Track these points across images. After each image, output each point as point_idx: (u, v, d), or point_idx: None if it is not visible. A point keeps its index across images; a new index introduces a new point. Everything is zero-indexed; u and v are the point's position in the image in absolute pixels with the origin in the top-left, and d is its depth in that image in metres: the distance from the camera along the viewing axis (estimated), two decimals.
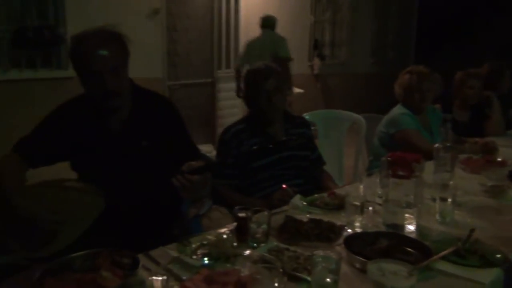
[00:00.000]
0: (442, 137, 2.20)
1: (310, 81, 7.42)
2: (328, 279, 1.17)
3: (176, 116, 1.85)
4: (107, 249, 1.28)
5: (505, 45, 6.89)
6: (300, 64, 6.84)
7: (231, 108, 6.23)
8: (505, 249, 1.44)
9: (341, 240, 1.49)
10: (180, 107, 1.94)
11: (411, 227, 1.60)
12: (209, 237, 1.46)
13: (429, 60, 3.81)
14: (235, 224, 1.52)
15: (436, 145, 2.15)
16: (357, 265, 1.34)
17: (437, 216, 1.71)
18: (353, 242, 1.43)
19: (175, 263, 1.34)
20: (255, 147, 2.15)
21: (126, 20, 4.36)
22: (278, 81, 2.15)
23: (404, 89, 2.91)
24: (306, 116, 3.02)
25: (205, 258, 1.35)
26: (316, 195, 1.95)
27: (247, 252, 1.40)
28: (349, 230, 1.60)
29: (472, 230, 1.49)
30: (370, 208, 1.68)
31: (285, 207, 1.85)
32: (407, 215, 1.61)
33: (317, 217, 1.68)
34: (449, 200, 1.70)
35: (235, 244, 1.43)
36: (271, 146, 2.17)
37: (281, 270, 1.12)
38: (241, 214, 1.50)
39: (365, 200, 1.68)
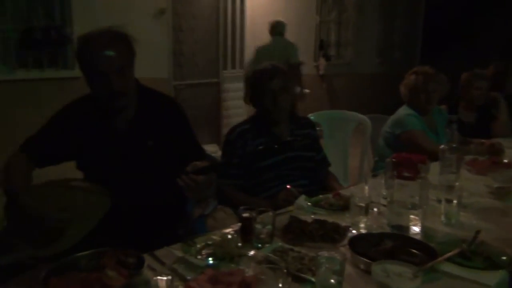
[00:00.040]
0: (447, 138, 2.19)
1: (315, 82, 7.41)
2: (332, 280, 1.17)
3: (182, 116, 1.85)
4: (112, 249, 1.29)
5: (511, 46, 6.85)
6: (306, 64, 6.84)
7: (237, 108, 6.24)
8: (511, 251, 1.43)
9: (345, 241, 1.49)
10: (185, 107, 1.95)
11: (416, 229, 1.60)
12: (214, 237, 1.47)
13: (435, 61, 3.80)
14: (239, 224, 1.52)
15: (442, 146, 2.14)
16: (362, 266, 1.33)
17: (443, 218, 1.71)
18: (357, 243, 1.43)
19: (180, 263, 1.35)
20: (260, 147, 2.15)
21: (132, 20, 4.39)
22: (284, 81, 2.15)
23: (410, 90, 2.90)
24: (311, 116, 3.03)
25: (210, 258, 1.35)
26: (321, 195, 1.95)
27: (252, 252, 1.40)
28: (354, 231, 1.59)
29: (477, 232, 1.48)
30: (375, 209, 1.67)
31: (289, 208, 1.85)
32: (412, 216, 1.61)
33: (322, 217, 1.68)
34: (455, 201, 1.69)
35: (239, 244, 1.43)
36: (276, 146, 2.17)
37: (285, 270, 1.12)
38: (246, 215, 1.50)
39: (370, 201, 1.68)
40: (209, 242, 1.43)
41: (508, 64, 3.83)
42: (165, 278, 1.14)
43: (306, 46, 7.11)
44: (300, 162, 2.21)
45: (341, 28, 8.11)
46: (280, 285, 1.10)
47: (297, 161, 2.20)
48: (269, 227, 1.51)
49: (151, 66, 4.47)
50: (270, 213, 1.53)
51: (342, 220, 1.66)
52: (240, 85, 6.01)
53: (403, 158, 2.17)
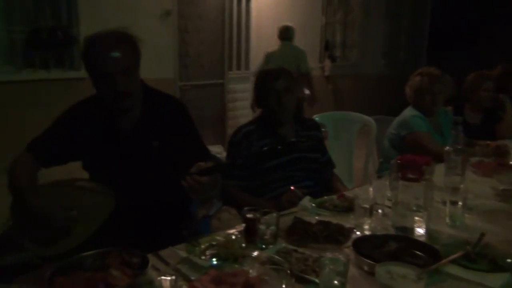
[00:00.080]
0: (453, 140, 2.18)
1: (320, 83, 7.40)
2: (336, 281, 1.17)
3: (187, 116, 1.86)
4: (117, 249, 1.30)
5: None
6: (311, 65, 6.84)
7: (242, 109, 6.25)
8: None
9: (349, 243, 1.49)
10: (191, 107, 1.95)
11: (420, 230, 1.59)
12: (218, 238, 1.47)
13: (441, 62, 3.79)
14: (243, 225, 1.52)
15: (447, 148, 2.13)
16: (366, 268, 1.33)
17: (447, 220, 1.70)
18: (361, 245, 1.43)
19: (184, 263, 1.35)
20: (265, 148, 2.16)
21: (138, 21, 4.43)
22: (289, 82, 2.16)
23: (415, 91, 2.89)
24: (316, 117, 3.03)
25: (214, 259, 1.36)
26: (325, 197, 1.95)
27: (256, 253, 1.40)
28: (358, 233, 1.59)
29: (482, 234, 1.47)
30: (379, 210, 1.67)
31: (294, 209, 1.85)
32: (416, 218, 1.60)
33: (326, 219, 1.68)
34: (460, 203, 1.68)
35: (243, 245, 1.43)
36: (281, 147, 2.18)
37: (289, 271, 1.12)
38: (250, 215, 1.50)
39: (374, 202, 1.67)
40: (213, 243, 1.43)
41: None
42: (169, 278, 1.14)
43: (311, 47, 7.10)
44: (304, 163, 2.21)
45: (346, 29, 8.09)
46: (284, 286, 1.10)
47: (302, 162, 2.20)
48: (273, 228, 1.51)
49: (157, 67, 4.49)
50: (274, 214, 1.54)
51: (346, 222, 1.66)
52: (246, 86, 6.03)
53: (408, 159, 2.17)
